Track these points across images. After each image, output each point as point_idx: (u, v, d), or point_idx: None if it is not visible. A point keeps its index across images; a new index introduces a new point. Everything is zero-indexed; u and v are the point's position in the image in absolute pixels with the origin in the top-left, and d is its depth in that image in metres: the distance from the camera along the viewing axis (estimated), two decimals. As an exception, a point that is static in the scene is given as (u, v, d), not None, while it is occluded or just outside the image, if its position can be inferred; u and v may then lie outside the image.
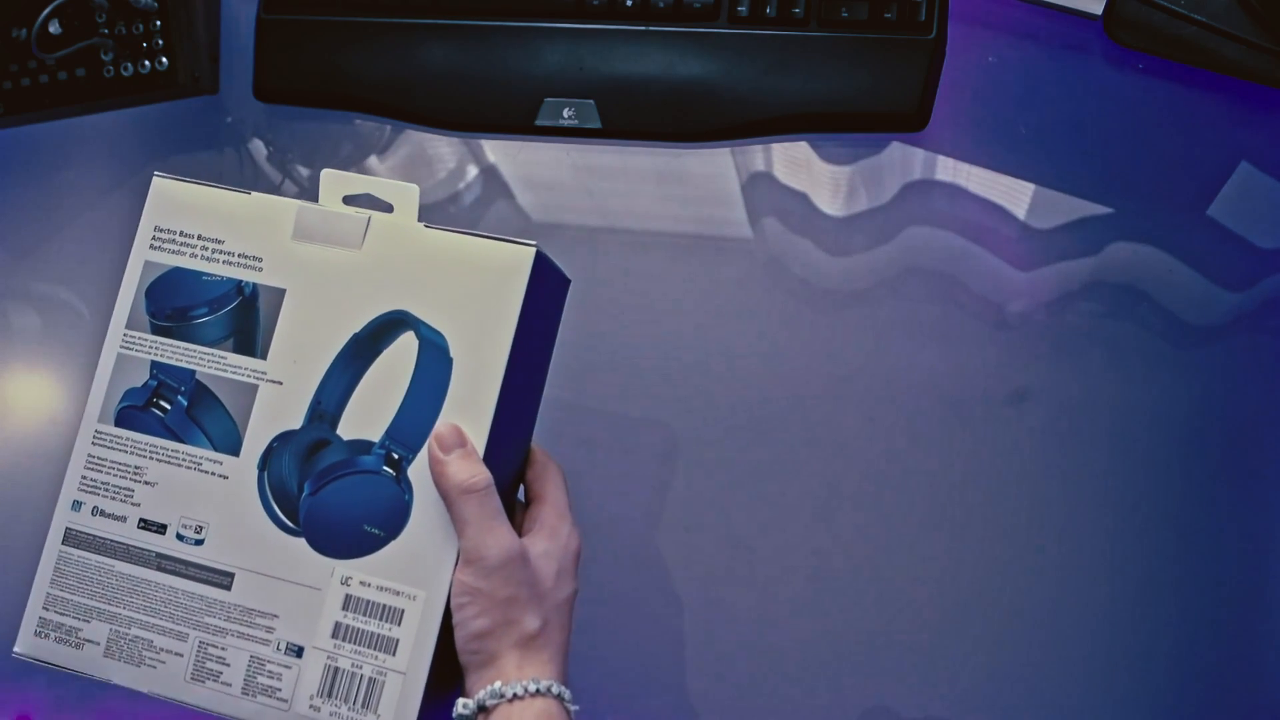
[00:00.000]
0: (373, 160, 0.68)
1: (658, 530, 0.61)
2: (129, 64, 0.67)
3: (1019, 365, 0.59)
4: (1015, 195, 0.60)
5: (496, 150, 0.66)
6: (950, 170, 0.61)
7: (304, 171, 0.69)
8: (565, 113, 0.63)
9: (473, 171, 0.66)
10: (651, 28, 0.63)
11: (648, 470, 0.61)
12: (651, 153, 0.64)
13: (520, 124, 0.64)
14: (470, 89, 0.64)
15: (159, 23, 0.66)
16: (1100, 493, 0.57)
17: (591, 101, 0.63)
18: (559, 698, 0.43)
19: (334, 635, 0.44)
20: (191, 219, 0.48)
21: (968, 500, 0.58)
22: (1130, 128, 0.60)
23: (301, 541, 0.45)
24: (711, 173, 0.64)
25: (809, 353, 0.61)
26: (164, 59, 0.67)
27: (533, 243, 0.45)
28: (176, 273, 0.48)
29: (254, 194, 0.48)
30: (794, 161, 0.63)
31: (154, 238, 0.49)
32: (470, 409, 0.44)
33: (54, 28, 0.66)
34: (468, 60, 0.64)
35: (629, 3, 0.63)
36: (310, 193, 0.68)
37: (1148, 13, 0.58)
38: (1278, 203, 0.58)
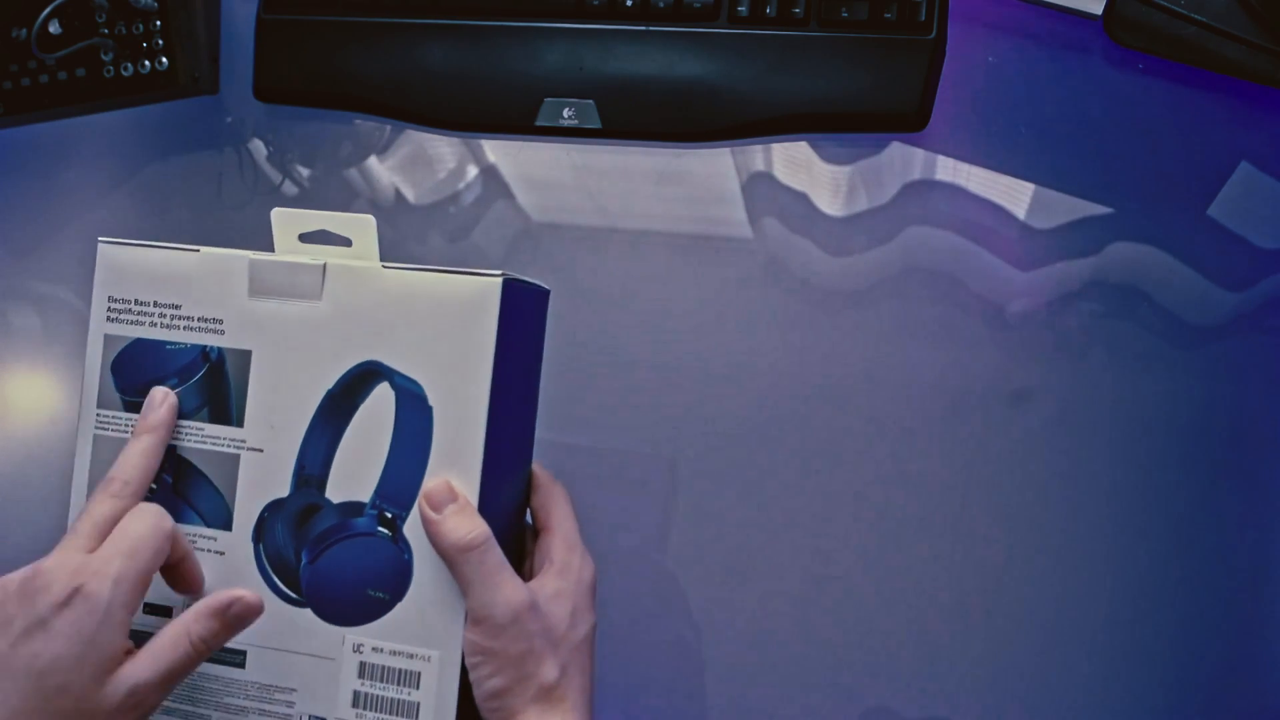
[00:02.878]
0: (372, 160, 0.68)
1: (657, 533, 0.61)
2: (129, 64, 0.67)
3: (1019, 365, 0.59)
4: (1015, 195, 0.60)
5: (496, 150, 0.66)
6: (950, 170, 0.61)
7: (304, 171, 0.69)
8: (565, 113, 0.63)
9: (473, 171, 0.66)
10: (651, 28, 0.62)
11: (647, 471, 0.61)
12: (651, 153, 0.64)
13: (520, 124, 0.64)
14: (470, 89, 0.64)
15: (159, 23, 0.66)
16: (1100, 492, 0.57)
17: (591, 101, 0.63)
18: None
19: (354, 704, 0.43)
20: (144, 286, 0.46)
21: (968, 500, 0.58)
22: (1130, 128, 0.60)
23: (308, 612, 0.44)
24: (711, 173, 0.64)
25: (809, 352, 0.61)
26: (164, 59, 0.67)
27: (498, 273, 0.42)
28: (138, 345, 0.46)
29: (203, 250, 0.46)
30: (794, 161, 0.63)
31: (109, 309, 0.46)
32: (458, 458, 0.42)
33: (54, 28, 0.66)
34: (468, 60, 0.64)
35: (629, 3, 0.63)
36: (312, 193, 0.68)
37: (1148, 13, 0.58)
38: (1278, 203, 0.58)
